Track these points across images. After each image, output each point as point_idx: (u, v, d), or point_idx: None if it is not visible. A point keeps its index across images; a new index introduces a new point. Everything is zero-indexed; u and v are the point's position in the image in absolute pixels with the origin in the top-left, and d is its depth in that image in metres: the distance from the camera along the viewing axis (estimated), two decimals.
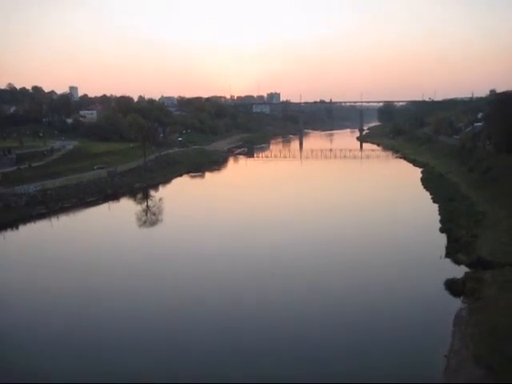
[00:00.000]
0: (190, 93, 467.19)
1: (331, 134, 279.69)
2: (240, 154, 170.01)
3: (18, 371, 28.90)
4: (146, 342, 32.23)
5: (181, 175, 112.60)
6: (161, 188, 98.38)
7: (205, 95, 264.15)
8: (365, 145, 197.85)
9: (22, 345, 32.09)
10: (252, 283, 42.82)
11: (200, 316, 36.27)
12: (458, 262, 45.44)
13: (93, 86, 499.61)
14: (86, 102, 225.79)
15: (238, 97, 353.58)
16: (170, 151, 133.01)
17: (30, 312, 37.78)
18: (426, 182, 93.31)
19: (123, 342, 32.57)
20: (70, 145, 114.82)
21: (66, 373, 28.39)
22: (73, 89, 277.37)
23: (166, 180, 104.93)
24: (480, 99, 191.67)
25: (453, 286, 38.98)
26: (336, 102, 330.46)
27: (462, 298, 37.38)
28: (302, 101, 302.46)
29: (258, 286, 41.99)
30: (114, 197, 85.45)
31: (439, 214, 65.40)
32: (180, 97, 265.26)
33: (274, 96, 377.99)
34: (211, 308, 37.57)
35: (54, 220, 69.57)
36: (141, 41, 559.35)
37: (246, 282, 43.20)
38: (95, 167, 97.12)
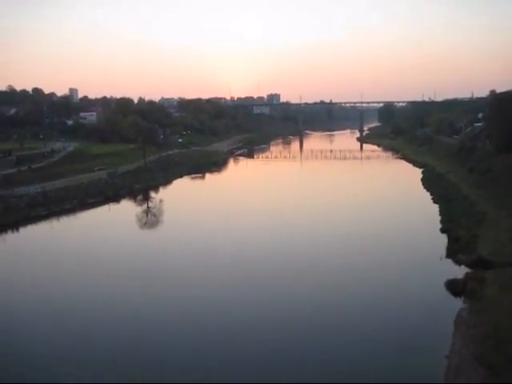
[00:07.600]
0: (190, 94, 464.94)
1: (331, 135, 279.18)
2: (240, 155, 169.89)
3: None
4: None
5: (181, 176, 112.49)
6: (161, 189, 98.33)
7: (205, 96, 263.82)
8: (365, 145, 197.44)
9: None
10: (253, 284, 42.97)
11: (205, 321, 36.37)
12: (458, 263, 45.38)
13: (93, 88, 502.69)
14: (87, 103, 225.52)
15: (238, 98, 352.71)
16: (170, 152, 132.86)
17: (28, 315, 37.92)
18: (427, 182, 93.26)
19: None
20: (71, 146, 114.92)
21: None
22: (73, 91, 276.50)
23: (167, 181, 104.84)
24: (480, 99, 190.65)
25: (454, 287, 38.88)
26: (336, 103, 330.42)
27: (462, 298, 37.34)
28: (302, 101, 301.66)
29: (261, 288, 42.17)
30: (115, 198, 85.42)
31: (440, 214, 65.27)
32: (180, 98, 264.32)
33: (274, 97, 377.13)
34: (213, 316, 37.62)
35: (54, 222, 69.63)
36: (141, 42, 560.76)
37: (246, 283, 43.37)
38: (95, 169, 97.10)
